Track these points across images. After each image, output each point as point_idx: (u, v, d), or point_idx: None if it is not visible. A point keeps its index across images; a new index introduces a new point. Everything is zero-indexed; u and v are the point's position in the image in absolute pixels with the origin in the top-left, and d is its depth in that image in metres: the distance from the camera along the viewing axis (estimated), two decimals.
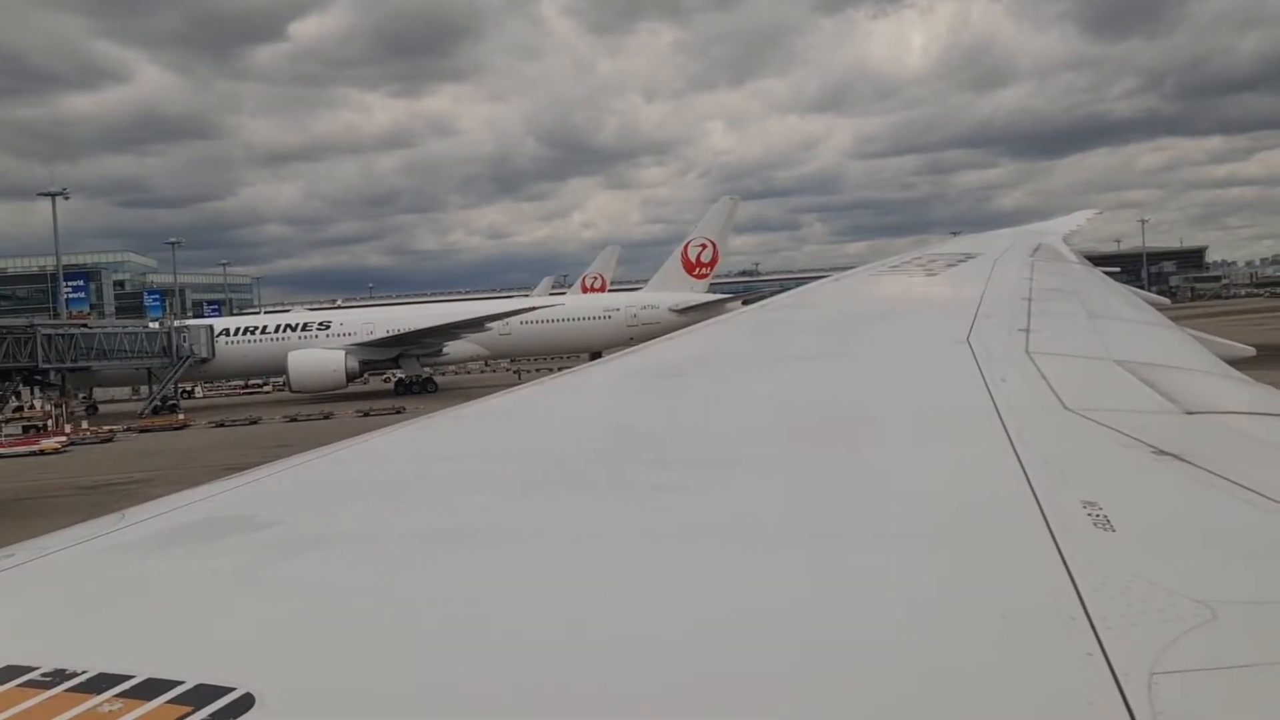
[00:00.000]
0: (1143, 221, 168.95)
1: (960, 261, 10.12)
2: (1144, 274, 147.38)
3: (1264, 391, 4.29)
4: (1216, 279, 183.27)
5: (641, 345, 6.29)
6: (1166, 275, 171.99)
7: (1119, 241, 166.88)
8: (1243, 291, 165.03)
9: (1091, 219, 23.77)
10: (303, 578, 2.28)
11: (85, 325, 64.09)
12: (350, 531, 2.63)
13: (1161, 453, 2.90)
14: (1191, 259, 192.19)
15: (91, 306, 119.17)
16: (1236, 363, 5.81)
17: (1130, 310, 7.67)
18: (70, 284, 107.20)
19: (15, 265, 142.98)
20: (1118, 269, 19.75)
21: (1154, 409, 3.68)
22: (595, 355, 58.74)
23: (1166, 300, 12.80)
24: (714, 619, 1.92)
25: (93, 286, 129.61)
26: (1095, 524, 2.25)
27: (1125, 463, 2.91)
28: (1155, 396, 3.86)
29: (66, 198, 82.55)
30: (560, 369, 6.12)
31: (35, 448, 41.83)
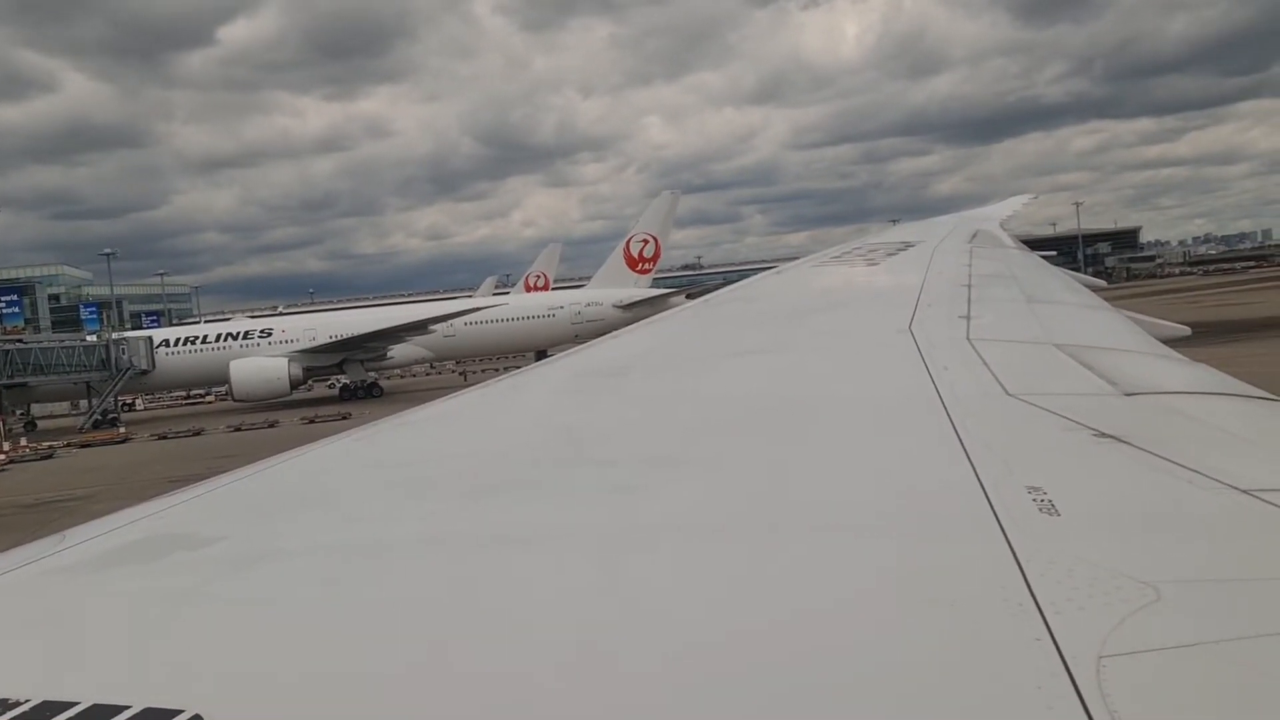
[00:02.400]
0: (1077, 204, 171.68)
1: (900, 250, 10.21)
2: (1080, 256, 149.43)
3: (1200, 371, 4.36)
4: (1151, 259, 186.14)
5: (587, 344, 6.29)
6: (1102, 256, 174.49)
7: (1055, 225, 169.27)
8: (1176, 271, 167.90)
9: (1027, 204, 24.11)
10: (249, 595, 2.25)
11: (20, 340, 62.87)
12: (296, 545, 2.60)
13: (1102, 435, 2.94)
14: (1126, 240, 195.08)
15: (26, 321, 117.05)
16: (1173, 342, 5.90)
17: (1068, 294, 7.77)
18: (3, 299, 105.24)
19: None
20: (1054, 252, 20.03)
21: (1094, 392, 3.73)
22: (541, 354, 58.65)
23: (1102, 282, 12.99)
24: (666, 616, 1.92)
25: (27, 301, 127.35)
26: (1040, 509, 2.28)
27: (1067, 446, 2.94)
28: (1095, 379, 3.91)
29: None
30: (506, 369, 6.10)
31: None
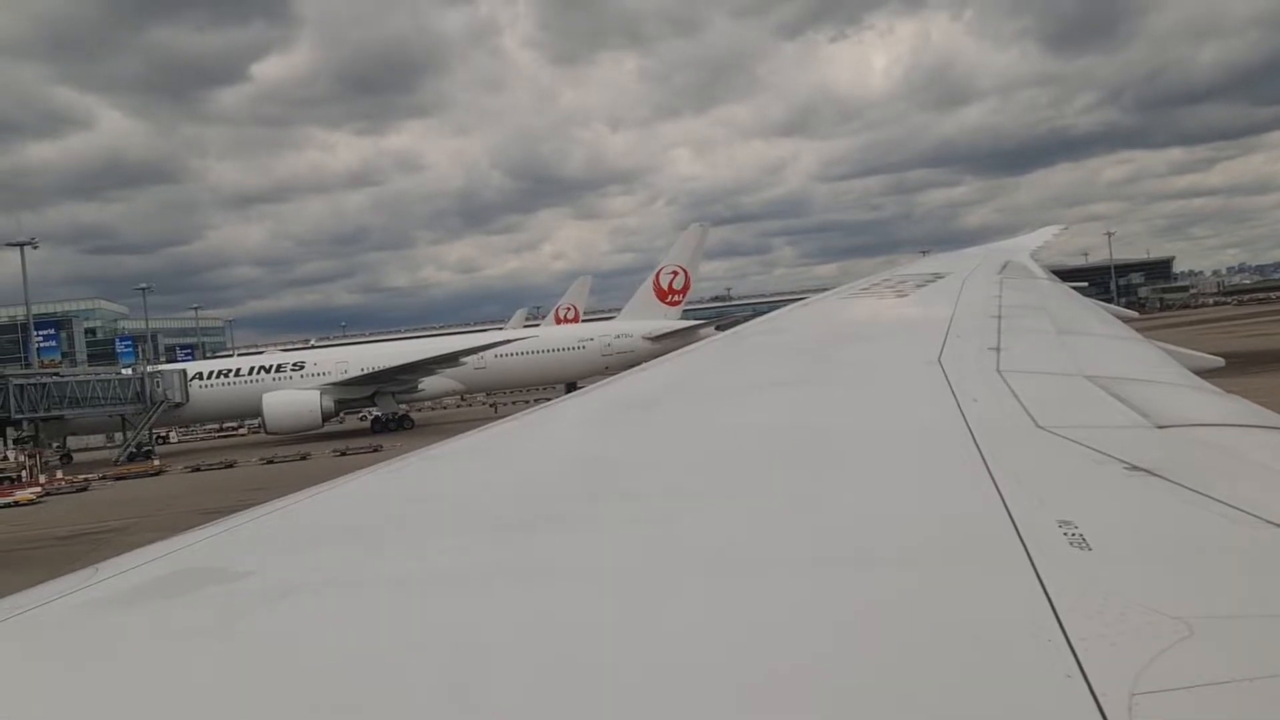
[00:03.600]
0: (1109, 234, 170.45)
1: (930, 281, 10.18)
2: (1113, 286, 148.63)
3: (1234, 403, 4.32)
4: (1184, 289, 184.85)
5: (616, 376, 6.29)
6: (1135, 287, 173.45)
7: (1086, 255, 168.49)
8: (1210, 301, 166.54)
9: (1058, 234, 24.00)
10: (279, 629, 2.26)
11: (57, 374, 63.56)
12: (326, 578, 2.60)
13: (1135, 468, 2.91)
14: (1159, 270, 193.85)
15: (63, 355, 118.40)
16: (1206, 373, 5.85)
17: (1099, 325, 7.72)
18: (41, 333, 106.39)
19: None
20: (1085, 283, 19.91)
21: (1126, 424, 3.70)
22: (571, 386, 58.74)
23: (1134, 313, 12.90)
24: (696, 651, 1.91)
25: (64, 335, 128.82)
26: (1071, 542, 2.26)
27: (1099, 479, 2.92)
28: (1127, 411, 3.88)
29: (35, 247, 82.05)
30: (536, 401, 6.11)
31: (9, 499, 41.40)
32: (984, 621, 1.93)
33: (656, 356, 7.52)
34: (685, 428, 4.44)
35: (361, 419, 67.11)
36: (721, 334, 8.76)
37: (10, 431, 57.03)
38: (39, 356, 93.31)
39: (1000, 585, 2.09)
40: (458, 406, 79.94)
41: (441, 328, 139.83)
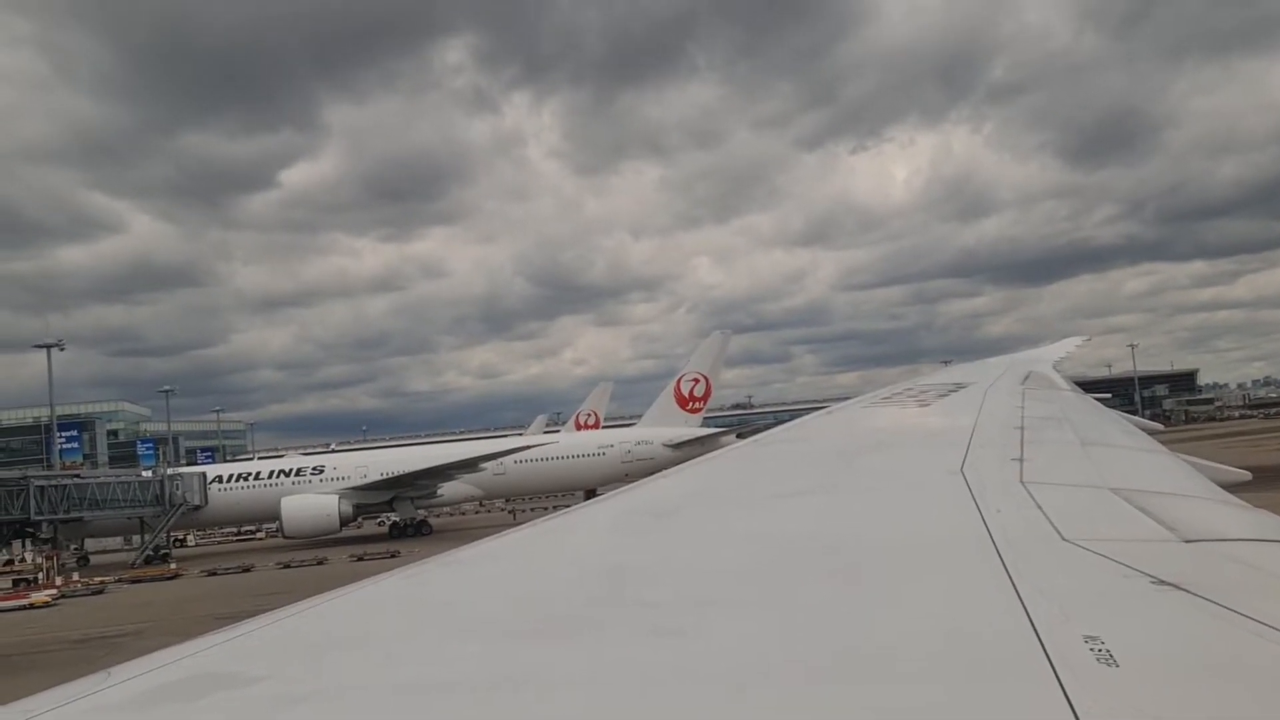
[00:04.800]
0: (1132, 346, 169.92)
1: (952, 391, 10.17)
2: (1137, 398, 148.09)
3: (1262, 517, 4.26)
4: (1210, 401, 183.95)
5: (635, 484, 6.27)
6: (1160, 399, 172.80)
7: (1110, 366, 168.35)
8: (1236, 413, 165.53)
9: (1081, 345, 24.01)
10: None
11: (78, 475, 63.77)
12: (339, 685, 2.57)
13: (1161, 583, 2.87)
14: (1183, 382, 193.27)
15: (85, 456, 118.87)
16: (1233, 487, 5.79)
17: (1123, 436, 7.68)
18: (64, 434, 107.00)
19: (9, 417, 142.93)
20: (1109, 394, 19.85)
21: (1152, 538, 3.65)
22: (591, 493, 58.53)
23: (1159, 425, 12.84)
24: None
25: (86, 436, 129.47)
26: (1098, 658, 2.22)
27: (1125, 594, 2.87)
28: (1152, 524, 3.83)
29: (62, 349, 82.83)
30: (556, 508, 6.08)
31: (24, 602, 41.26)
32: None
33: (677, 464, 7.50)
34: (705, 536, 4.40)
35: (380, 524, 66.89)
36: (742, 442, 8.74)
37: (34, 533, 57.08)
38: (61, 458, 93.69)
39: (1026, 702, 2.05)
40: (476, 512, 79.66)
41: (462, 433, 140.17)
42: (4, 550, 57.18)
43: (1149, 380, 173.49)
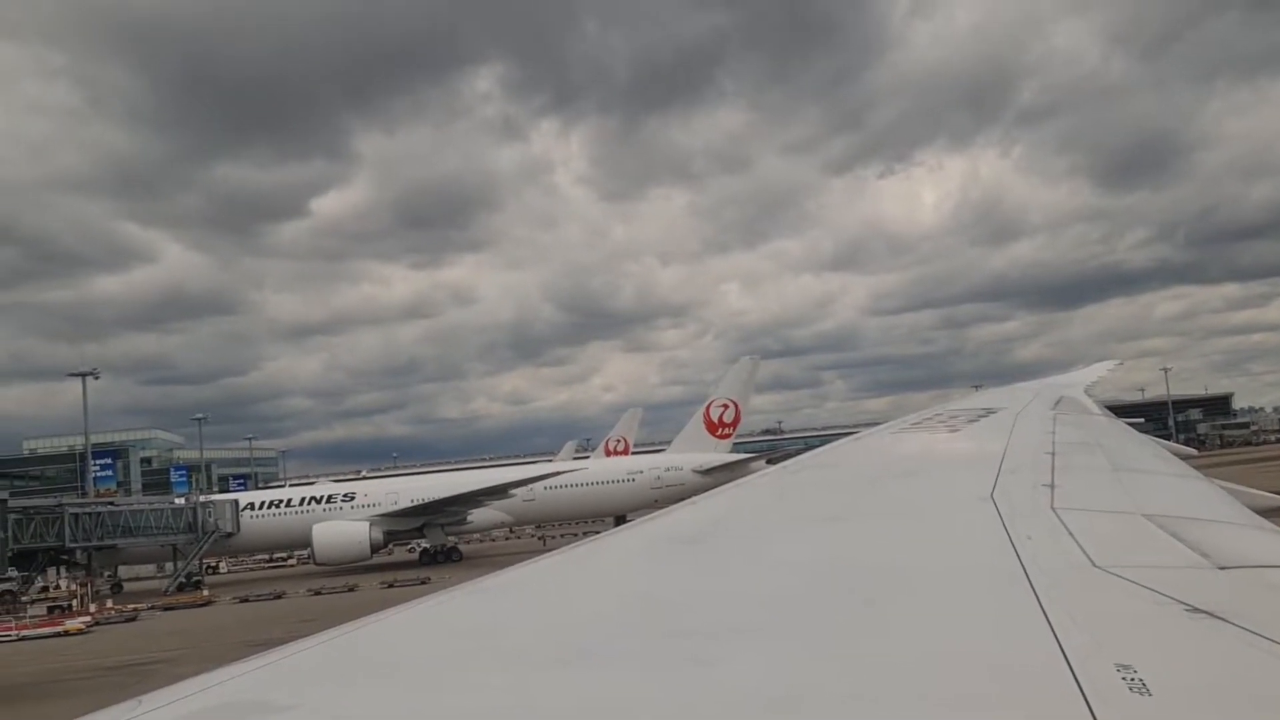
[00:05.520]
0: (1165, 370, 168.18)
1: (982, 416, 10.11)
2: (1171, 422, 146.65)
3: None
4: (1245, 425, 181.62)
5: (664, 510, 6.26)
6: (1194, 423, 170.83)
7: (1143, 390, 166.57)
8: (1272, 438, 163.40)
9: (1113, 369, 23.83)
10: None
11: (112, 503, 64.24)
12: (367, 713, 2.58)
13: (1195, 610, 2.84)
14: (1218, 406, 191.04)
15: (119, 484, 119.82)
16: (1269, 513, 5.72)
17: (1156, 462, 7.61)
18: (98, 462, 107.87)
19: (45, 446, 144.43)
20: (1142, 419, 19.67)
21: (1186, 564, 3.62)
22: (621, 519, 58.42)
23: (1192, 450, 12.70)
24: None
25: (120, 464, 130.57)
26: (1130, 688, 2.20)
27: (1158, 622, 2.84)
28: (1186, 551, 3.80)
29: (97, 378, 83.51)
30: (585, 534, 6.07)
31: (59, 628, 41.58)
32: None
33: (707, 490, 7.49)
34: (734, 563, 4.39)
35: (410, 550, 67.01)
36: (772, 468, 8.72)
37: (69, 561, 57.54)
38: (95, 486, 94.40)
39: None
40: (506, 539, 79.67)
41: (491, 459, 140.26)
42: (39, 577, 57.66)
43: (1183, 404, 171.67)
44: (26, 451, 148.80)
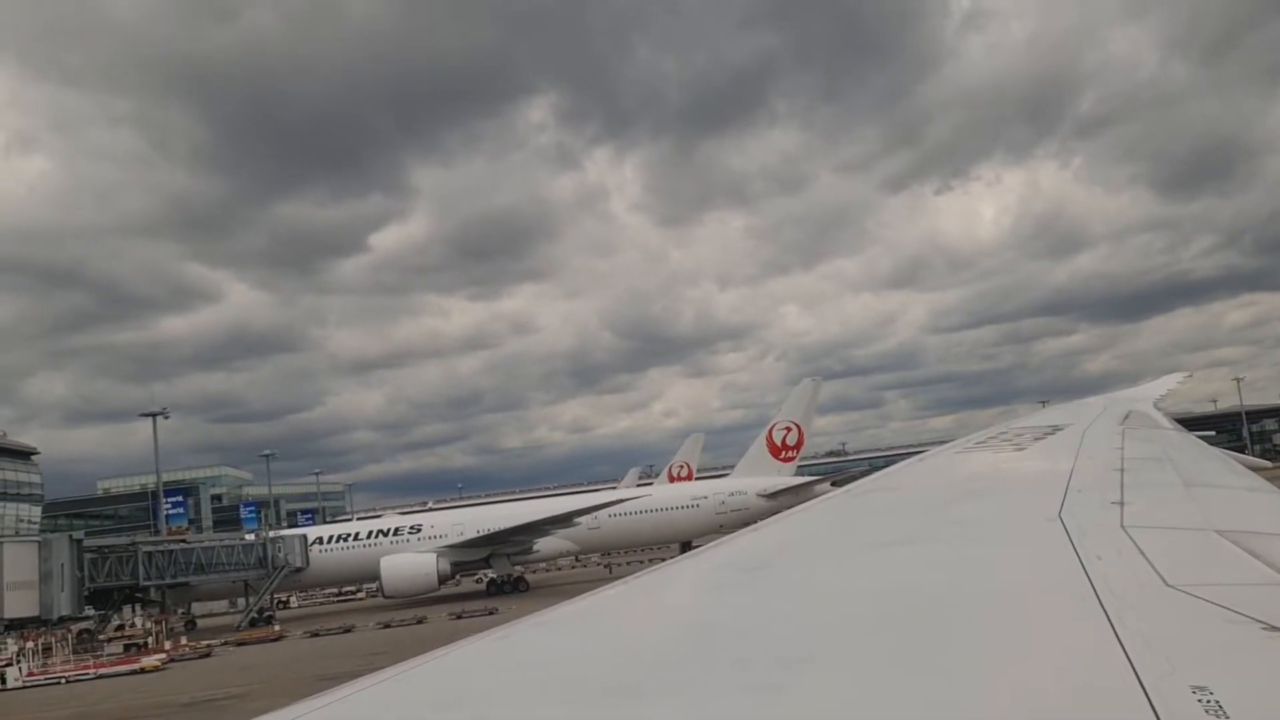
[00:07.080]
0: (1237, 380, 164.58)
1: (1048, 434, 9.98)
2: (1245, 434, 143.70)
3: None
4: None
5: (728, 537, 6.24)
6: (1270, 434, 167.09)
7: (1215, 401, 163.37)
8: None
9: (1182, 382, 23.41)
10: None
11: (184, 540, 65.23)
12: None
13: (1273, 629, 2.78)
14: None
15: (190, 521, 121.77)
16: None
17: (1229, 476, 7.45)
18: (170, 500, 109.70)
19: (118, 485, 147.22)
20: (1213, 432, 19.32)
21: (1262, 581, 3.54)
22: (686, 545, 58.30)
23: (1266, 463, 12.44)
24: None
25: (191, 501, 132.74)
26: (1207, 710, 2.15)
27: (1235, 642, 2.79)
28: (1262, 568, 3.72)
29: (167, 417, 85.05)
30: (651, 561, 6.07)
31: (135, 666, 42.22)
32: None
33: (771, 514, 7.45)
34: (799, 590, 4.37)
35: (477, 581, 67.26)
36: (836, 491, 8.66)
37: (143, 598, 58.47)
38: (167, 523, 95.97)
39: None
40: (572, 567, 79.75)
41: (555, 488, 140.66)
42: (116, 616, 58.63)
43: (1256, 415, 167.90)
44: (101, 491, 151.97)
